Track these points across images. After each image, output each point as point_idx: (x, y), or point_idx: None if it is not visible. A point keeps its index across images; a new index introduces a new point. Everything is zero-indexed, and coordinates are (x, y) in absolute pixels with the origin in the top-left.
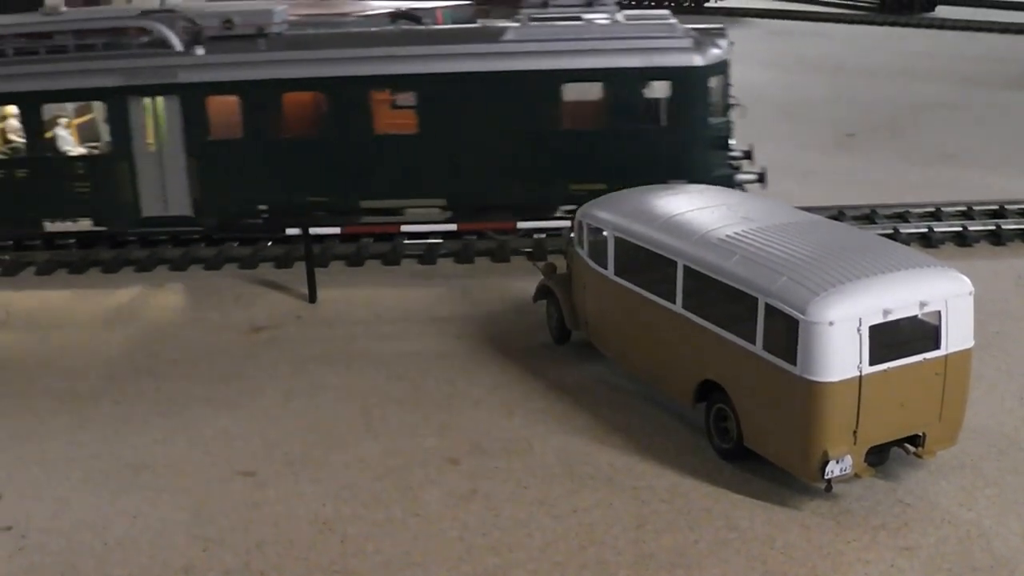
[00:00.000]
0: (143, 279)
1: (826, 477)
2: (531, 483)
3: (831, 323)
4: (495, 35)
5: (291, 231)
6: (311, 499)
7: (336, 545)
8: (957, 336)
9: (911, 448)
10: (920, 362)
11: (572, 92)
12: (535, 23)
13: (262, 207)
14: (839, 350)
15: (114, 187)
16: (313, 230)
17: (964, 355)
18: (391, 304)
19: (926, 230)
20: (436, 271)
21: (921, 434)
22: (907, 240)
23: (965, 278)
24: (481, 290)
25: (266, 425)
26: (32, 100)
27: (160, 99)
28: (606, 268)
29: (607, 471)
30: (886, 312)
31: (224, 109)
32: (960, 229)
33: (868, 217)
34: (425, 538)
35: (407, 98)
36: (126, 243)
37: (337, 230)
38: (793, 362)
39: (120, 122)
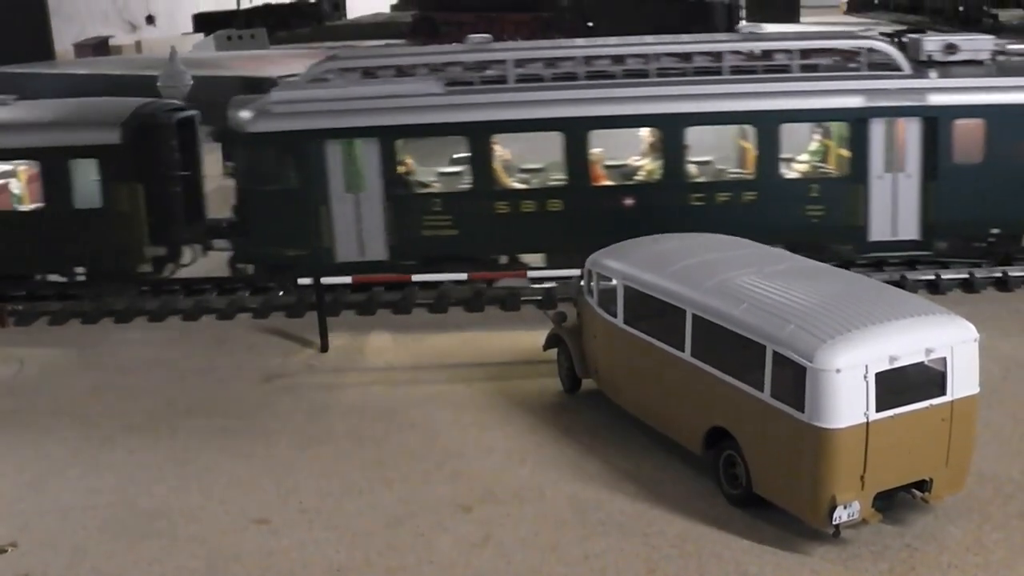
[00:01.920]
0: (156, 329)
1: (834, 522)
2: (542, 530)
3: (838, 370)
4: None
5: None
6: (325, 546)
7: None
8: (963, 382)
9: (918, 493)
10: (926, 408)
11: None
12: None
13: (994, 230)
14: (846, 397)
15: (843, 211)
16: (324, 280)
17: (970, 401)
18: (402, 353)
19: (933, 277)
20: (447, 320)
21: (928, 479)
22: (915, 287)
23: (970, 325)
24: (492, 339)
25: (280, 473)
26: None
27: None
28: (616, 317)
29: (618, 517)
30: (892, 359)
31: (969, 133)
32: (967, 276)
33: (876, 264)
34: None
35: None
36: (139, 293)
37: (348, 279)
38: (801, 409)
39: (859, 144)
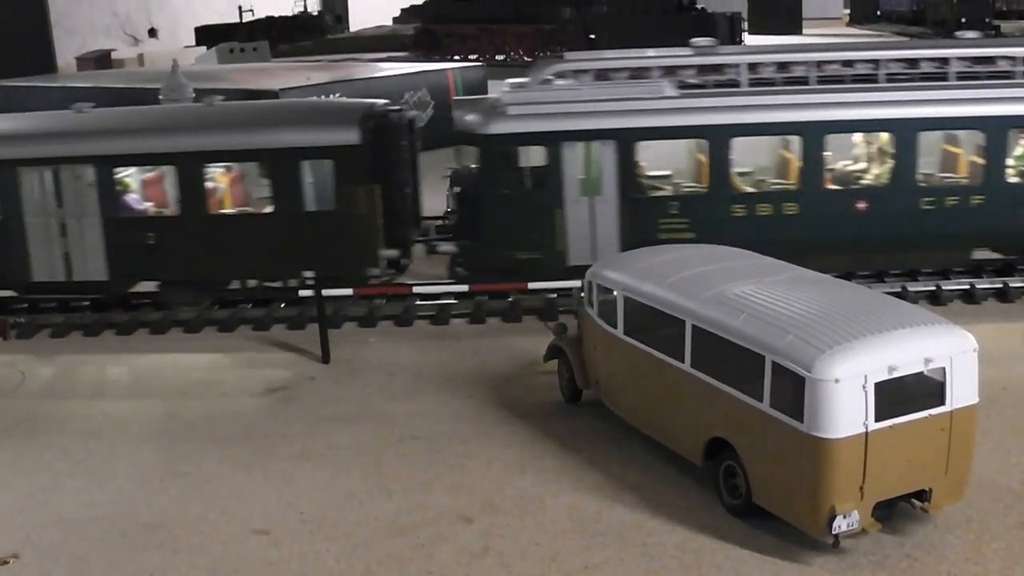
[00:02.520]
0: (157, 341)
1: (834, 532)
2: (543, 540)
3: (837, 380)
4: None
5: (304, 292)
6: (325, 557)
7: None
8: (962, 392)
9: (918, 503)
10: (925, 418)
11: None
12: None
13: None
14: (845, 407)
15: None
16: (326, 292)
17: (969, 411)
18: (404, 364)
19: (934, 288)
20: (448, 331)
21: (927, 489)
22: (915, 298)
23: (969, 335)
24: (493, 350)
25: (281, 484)
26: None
27: None
28: (616, 328)
29: (618, 528)
30: (891, 369)
31: None
32: (968, 287)
33: (877, 276)
34: None
35: None
36: (140, 306)
37: (350, 291)
38: (800, 419)
39: None
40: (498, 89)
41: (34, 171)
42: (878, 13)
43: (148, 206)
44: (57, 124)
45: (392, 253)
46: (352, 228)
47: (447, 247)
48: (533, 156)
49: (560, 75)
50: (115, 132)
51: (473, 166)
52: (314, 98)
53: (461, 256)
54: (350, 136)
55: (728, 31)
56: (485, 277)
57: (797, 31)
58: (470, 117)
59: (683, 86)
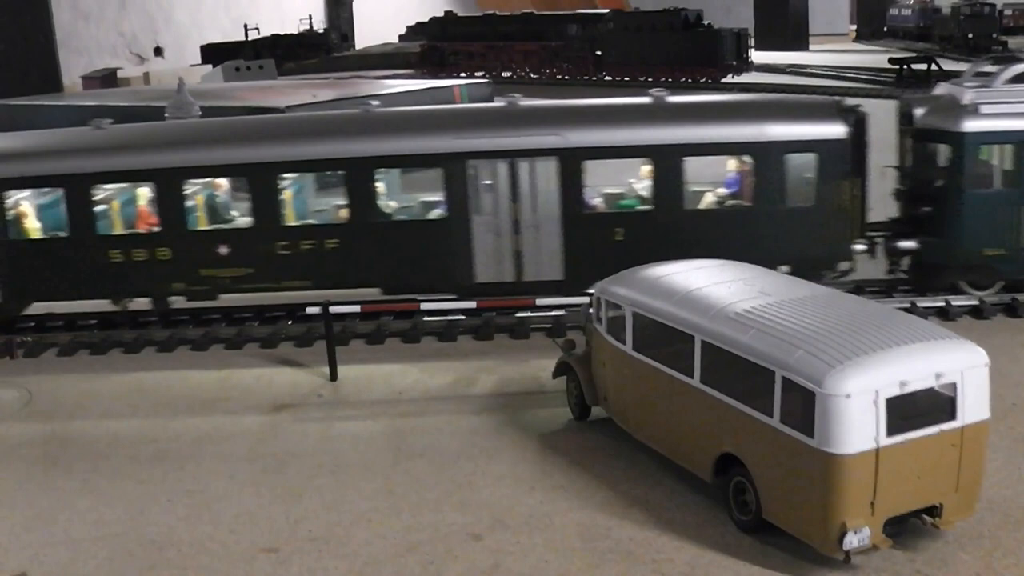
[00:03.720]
0: (165, 359)
1: (845, 548)
2: (552, 558)
3: (848, 395)
4: None
5: (311, 309)
6: (334, 575)
7: None
8: (973, 408)
9: (929, 519)
10: (937, 433)
11: None
12: None
13: None
14: (856, 422)
15: None
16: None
17: (981, 427)
18: (412, 381)
19: (943, 304)
20: (456, 348)
21: (938, 505)
22: (924, 313)
23: (981, 349)
24: (501, 367)
25: (289, 502)
26: None
27: None
28: (625, 344)
29: (627, 545)
30: (902, 384)
31: None
32: (977, 303)
33: (886, 291)
34: None
35: None
36: (147, 324)
37: (357, 308)
38: (810, 435)
39: None
40: (943, 87)
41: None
42: (885, 29)
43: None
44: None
45: (862, 246)
46: (831, 222)
47: (907, 244)
48: (1002, 154)
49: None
50: None
51: (922, 162)
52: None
53: (923, 252)
54: (836, 130)
55: (735, 47)
56: (942, 275)
57: (804, 47)
58: (937, 115)
59: None
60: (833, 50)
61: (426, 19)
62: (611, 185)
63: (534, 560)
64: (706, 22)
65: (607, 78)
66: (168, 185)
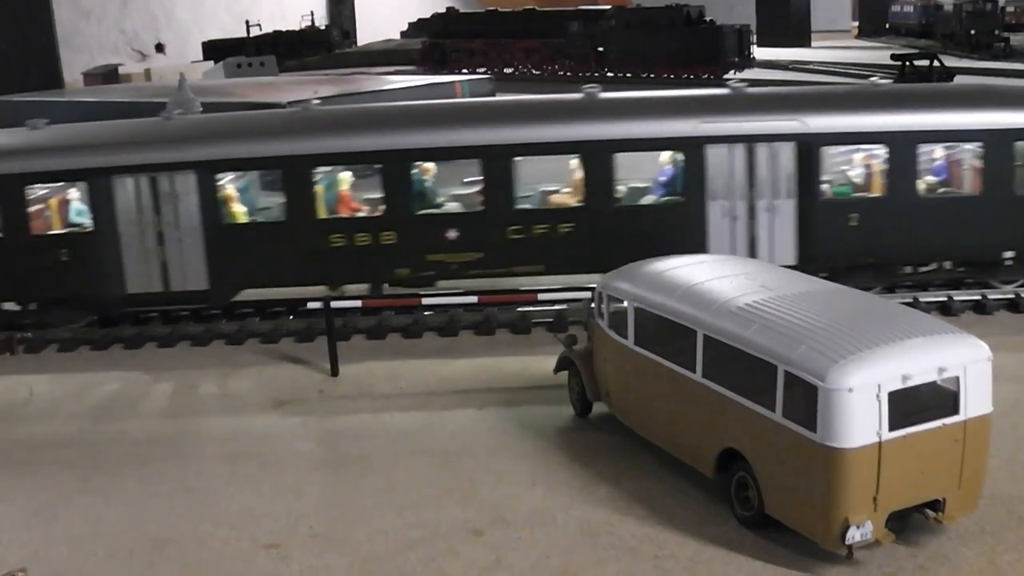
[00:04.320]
0: (166, 355)
1: (847, 543)
2: (553, 554)
3: (850, 390)
4: None
5: (312, 305)
6: (335, 572)
7: None
8: (976, 402)
9: (931, 514)
10: (939, 428)
11: None
12: None
13: None
14: (858, 417)
15: None
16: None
17: (983, 421)
18: (413, 377)
19: (945, 299)
20: (458, 343)
21: (941, 500)
22: (927, 309)
23: (983, 344)
24: (503, 362)
25: (290, 499)
26: None
27: None
28: (626, 338)
29: (629, 541)
30: (905, 378)
31: None
32: (979, 298)
33: (888, 288)
34: None
35: None
36: (148, 320)
37: (358, 303)
38: (813, 429)
39: None
40: None
41: None
42: (887, 26)
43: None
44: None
45: None
46: None
47: None
48: None
49: None
50: None
51: None
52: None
53: None
54: None
55: (736, 44)
56: None
57: (806, 44)
58: None
59: None
60: (835, 47)
61: (428, 16)
62: (837, 172)
63: (535, 557)
64: (708, 19)
65: (609, 75)
66: (395, 168)
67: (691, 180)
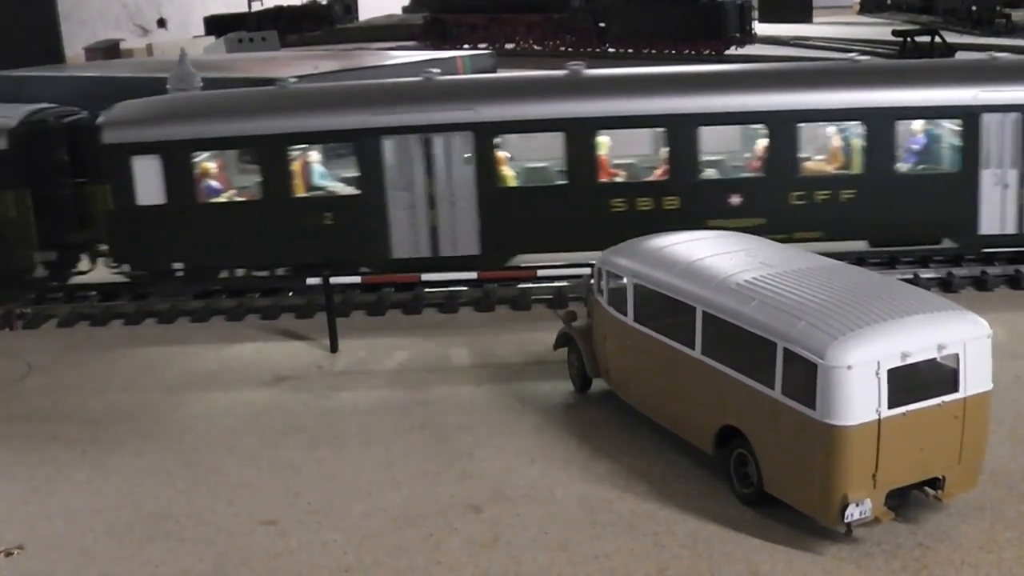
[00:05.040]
0: (164, 331)
1: (846, 521)
2: (552, 530)
3: (849, 367)
4: None
5: (311, 281)
6: (333, 548)
7: None
8: (975, 379)
9: (931, 491)
10: (939, 405)
11: None
12: None
13: None
14: (858, 394)
15: None
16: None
17: (983, 398)
18: (413, 353)
19: (946, 275)
20: (457, 320)
21: (941, 477)
22: (927, 285)
23: (983, 321)
24: (502, 338)
25: (288, 474)
26: None
27: None
28: (626, 315)
29: (628, 517)
30: (904, 355)
31: None
32: (979, 274)
33: (888, 263)
34: None
35: None
36: (147, 296)
37: (358, 279)
38: (812, 406)
39: None
40: None
41: None
42: (888, 2)
43: None
44: None
45: None
46: None
47: None
48: None
49: None
50: None
51: None
52: None
53: None
54: None
55: (738, 20)
56: None
57: (807, 20)
58: None
59: None
60: (837, 22)
61: None
62: None
63: (534, 532)
64: None
65: (610, 50)
66: (678, 132)
67: (968, 150)
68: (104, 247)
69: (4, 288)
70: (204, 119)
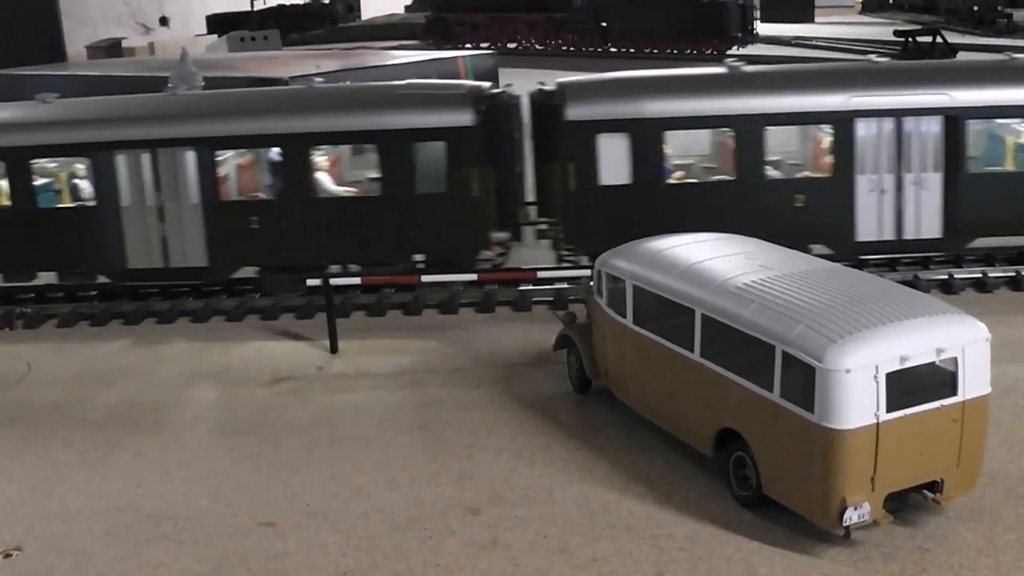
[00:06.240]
0: (165, 331)
1: (845, 524)
2: (551, 532)
3: (848, 370)
4: None
5: (312, 282)
6: (332, 550)
7: None
8: (974, 383)
9: (929, 494)
10: (937, 409)
11: None
12: None
13: None
14: (856, 397)
15: None
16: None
17: (982, 401)
18: (412, 354)
19: (946, 277)
20: (457, 321)
21: (939, 480)
22: (927, 287)
23: (982, 324)
24: (502, 340)
25: (287, 476)
26: None
27: None
28: (625, 317)
29: (627, 519)
30: (903, 359)
31: None
32: (980, 275)
33: (888, 264)
34: None
35: None
36: (146, 295)
37: (357, 280)
38: (811, 410)
39: None
40: None
41: None
42: (890, 1)
43: None
44: None
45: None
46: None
47: None
48: None
49: None
50: None
51: None
52: None
53: None
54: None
55: (739, 20)
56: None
57: (810, 19)
58: None
59: None
60: (839, 22)
61: None
62: None
63: (533, 534)
64: None
65: (612, 50)
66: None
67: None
68: (544, 226)
69: (457, 269)
70: (675, 96)
